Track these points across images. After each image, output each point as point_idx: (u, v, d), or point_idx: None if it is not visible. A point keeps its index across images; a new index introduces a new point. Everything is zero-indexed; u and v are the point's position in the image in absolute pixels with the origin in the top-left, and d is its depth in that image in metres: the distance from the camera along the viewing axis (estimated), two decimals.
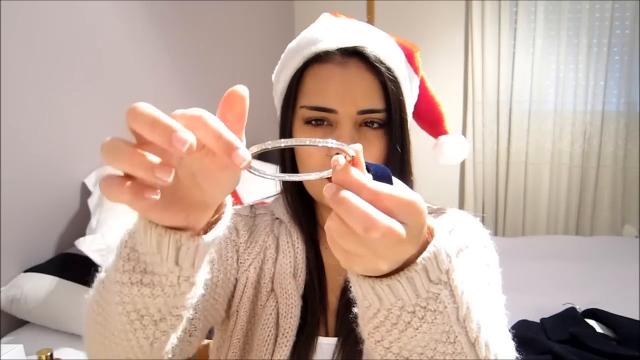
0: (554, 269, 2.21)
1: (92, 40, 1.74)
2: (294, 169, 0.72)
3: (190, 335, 0.66)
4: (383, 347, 0.45)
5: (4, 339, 1.41)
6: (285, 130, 0.72)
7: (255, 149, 0.39)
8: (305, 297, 0.73)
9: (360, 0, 2.81)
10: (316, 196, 0.72)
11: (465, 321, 0.45)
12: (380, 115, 0.68)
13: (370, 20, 2.80)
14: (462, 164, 3.19)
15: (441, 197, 3.15)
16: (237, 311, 0.74)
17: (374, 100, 0.67)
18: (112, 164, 0.35)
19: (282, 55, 0.75)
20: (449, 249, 0.43)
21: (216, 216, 0.47)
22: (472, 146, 3.12)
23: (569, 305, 1.79)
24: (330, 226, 0.38)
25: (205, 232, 0.44)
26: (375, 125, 0.68)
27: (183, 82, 2.22)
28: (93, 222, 1.56)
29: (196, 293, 0.48)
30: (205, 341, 0.99)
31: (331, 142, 0.38)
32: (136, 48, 1.97)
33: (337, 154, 0.39)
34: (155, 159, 0.34)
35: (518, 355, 0.56)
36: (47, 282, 1.43)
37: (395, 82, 0.69)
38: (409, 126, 0.73)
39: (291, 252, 0.74)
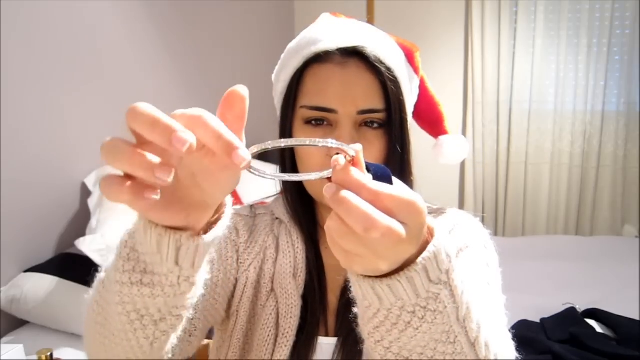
0: (554, 269, 2.21)
1: (92, 40, 1.74)
2: (294, 169, 0.72)
3: (190, 335, 0.66)
4: (383, 347, 0.45)
5: (4, 339, 1.41)
6: (285, 131, 0.72)
7: (255, 149, 0.39)
8: (305, 297, 0.73)
9: (360, 0, 2.81)
10: (316, 196, 0.72)
11: (465, 321, 0.45)
12: (380, 115, 0.68)
13: (370, 20, 2.80)
14: (462, 164, 3.19)
15: (441, 197, 3.15)
16: (237, 311, 0.74)
17: (374, 100, 0.67)
18: (112, 164, 0.35)
19: (282, 55, 0.75)
20: (449, 249, 0.43)
21: (216, 216, 0.47)
22: (472, 146, 3.12)
23: (569, 305, 1.79)
24: (330, 226, 0.38)
25: (205, 232, 0.44)
26: (375, 125, 0.68)
27: (183, 82, 2.22)
28: (93, 222, 1.56)
29: (196, 293, 0.48)
30: (205, 341, 0.99)
31: (331, 142, 0.38)
32: (136, 48, 1.97)
33: (337, 154, 0.39)
34: (155, 159, 0.34)
35: (518, 355, 0.56)
36: (47, 282, 1.43)
37: (395, 82, 0.69)
38: (409, 126, 0.73)
39: (291, 252, 0.74)
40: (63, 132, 1.65)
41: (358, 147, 0.39)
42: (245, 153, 0.35)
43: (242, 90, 0.38)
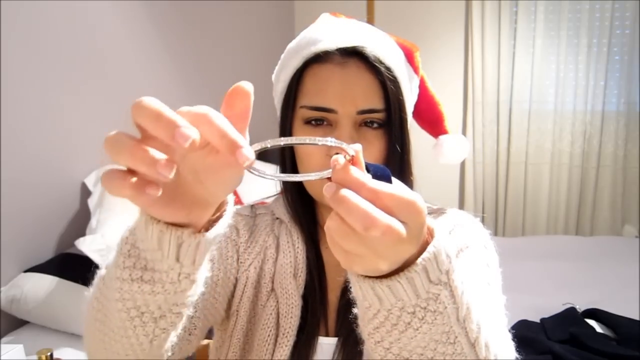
0: (554, 269, 2.20)
1: (92, 40, 1.74)
2: (294, 169, 0.72)
3: (189, 334, 0.66)
4: (383, 347, 0.45)
5: (4, 339, 1.41)
6: (285, 130, 0.72)
7: (255, 147, 0.39)
8: (305, 297, 0.73)
9: (360, 0, 2.81)
10: (316, 196, 0.72)
11: (465, 322, 0.45)
12: (379, 115, 0.68)
13: (370, 20, 2.80)
14: (462, 164, 3.19)
15: (441, 197, 3.14)
16: (237, 311, 0.74)
17: (374, 100, 0.67)
18: (114, 158, 0.35)
19: (282, 56, 0.75)
20: (449, 249, 0.43)
21: (217, 214, 0.47)
22: (472, 146, 3.12)
23: (569, 305, 1.79)
24: (330, 226, 0.38)
25: (207, 230, 0.44)
26: (375, 125, 0.68)
27: (183, 82, 2.22)
28: (93, 222, 1.56)
29: (196, 291, 0.48)
30: (206, 341, 0.99)
31: (331, 141, 0.38)
32: (136, 48, 1.97)
33: (337, 153, 0.39)
34: (157, 154, 0.34)
35: (518, 356, 0.56)
36: (47, 282, 1.43)
37: (394, 81, 0.69)
38: (408, 126, 0.73)
39: (291, 252, 0.74)
40: (63, 132, 1.65)
41: (358, 147, 0.39)
42: (249, 152, 0.35)
43: (247, 86, 0.38)
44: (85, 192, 1.70)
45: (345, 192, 0.36)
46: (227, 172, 0.41)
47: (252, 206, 0.83)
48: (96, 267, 0.54)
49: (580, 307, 1.78)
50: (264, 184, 0.76)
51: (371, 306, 0.43)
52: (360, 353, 0.68)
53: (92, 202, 1.63)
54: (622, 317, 1.69)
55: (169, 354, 0.55)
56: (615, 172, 2.99)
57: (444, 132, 0.84)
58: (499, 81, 3.06)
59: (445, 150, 0.83)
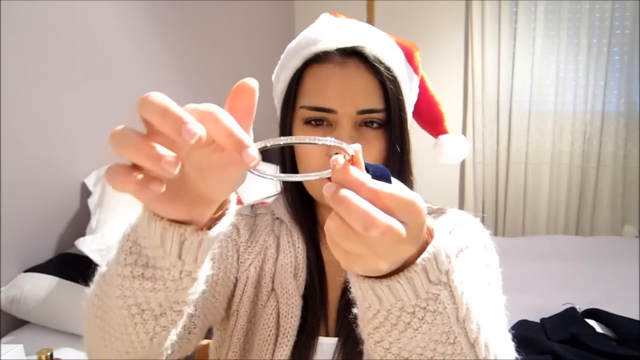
0: (554, 269, 2.20)
1: (92, 40, 1.74)
2: (294, 169, 0.72)
3: (189, 333, 0.66)
4: (383, 347, 0.45)
5: (4, 339, 1.41)
6: (285, 131, 0.72)
7: (256, 146, 0.39)
8: (305, 297, 0.73)
9: (360, 0, 2.81)
10: (316, 196, 0.72)
11: (465, 322, 0.45)
12: (379, 115, 0.68)
13: (370, 20, 2.80)
14: (462, 164, 3.19)
15: (441, 197, 3.15)
16: (237, 311, 0.74)
17: (374, 100, 0.67)
18: (120, 152, 0.35)
19: (282, 56, 0.75)
20: (449, 249, 0.43)
21: (220, 212, 0.47)
22: (472, 146, 3.12)
23: (569, 305, 1.79)
24: (330, 226, 0.38)
25: (209, 228, 0.44)
26: (375, 125, 0.68)
27: (183, 82, 2.22)
28: (93, 222, 1.56)
29: (198, 289, 0.48)
30: (206, 341, 0.99)
31: (330, 141, 0.39)
32: (136, 48, 1.97)
33: (337, 153, 0.39)
34: (163, 150, 0.35)
35: (518, 356, 0.56)
36: (47, 282, 1.43)
37: (394, 81, 0.69)
38: (408, 126, 0.73)
39: (292, 252, 0.74)
40: (63, 132, 1.65)
41: (357, 147, 0.39)
42: (255, 152, 0.35)
43: (252, 82, 0.38)
44: (85, 192, 1.70)
45: (345, 192, 0.36)
46: (231, 171, 0.41)
47: (252, 206, 0.83)
48: (96, 267, 0.54)
49: (580, 307, 1.78)
50: (264, 184, 0.76)
51: (371, 306, 0.43)
52: (361, 353, 0.68)
53: (92, 202, 1.63)
54: (622, 317, 1.69)
55: (169, 352, 0.55)
56: (615, 172, 2.99)
57: (444, 132, 0.84)
58: (499, 81, 3.06)
59: (445, 150, 0.83)
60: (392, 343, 0.44)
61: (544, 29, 2.94)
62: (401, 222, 0.37)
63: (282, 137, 0.40)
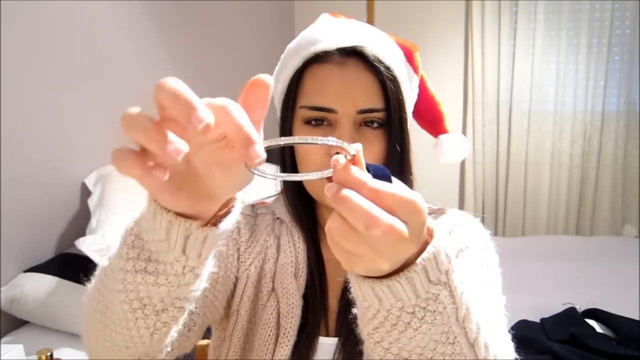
0: (554, 269, 2.20)
1: (92, 40, 1.74)
2: (294, 169, 0.73)
3: (188, 330, 0.66)
4: (382, 347, 0.45)
5: (4, 339, 1.41)
6: (285, 131, 0.72)
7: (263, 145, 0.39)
8: (306, 297, 0.73)
9: (360, 0, 2.80)
10: (316, 196, 0.72)
11: (465, 322, 0.45)
12: (379, 115, 0.68)
13: (370, 20, 2.80)
14: (462, 164, 3.19)
15: (441, 197, 3.14)
16: (237, 310, 0.74)
17: (374, 100, 0.67)
18: (128, 133, 0.35)
19: (282, 56, 0.75)
20: (449, 249, 0.43)
21: (225, 210, 0.47)
22: (472, 146, 3.12)
23: (569, 305, 1.79)
24: (331, 226, 0.38)
25: (214, 225, 0.45)
26: (375, 124, 0.68)
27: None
28: (93, 222, 1.56)
29: (200, 286, 0.49)
30: (205, 341, 0.99)
31: (331, 140, 0.39)
32: (136, 48, 1.97)
33: (337, 153, 0.39)
34: (171, 136, 0.35)
35: (518, 356, 0.56)
36: (47, 282, 1.43)
37: (394, 81, 0.69)
38: (408, 126, 0.73)
39: (292, 252, 0.74)
40: (63, 132, 1.65)
41: (358, 146, 0.39)
42: (261, 149, 0.36)
43: (267, 78, 0.38)
44: (85, 192, 1.70)
45: (346, 192, 0.36)
46: (238, 169, 0.41)
47: (252, 206, 0.83)
48: (96, 267, 0.54)
49: (580, 307, 1.78)
50: (264, 184, 0.76)
51: (371, 306, 0.43)
52: (361, 353, 0.68)
53: (92, 202, 1.63)
54: (622, 317, 1.69)
55: (168, 349, 0.55)
56: (615, 172, 2.99)
57: (444, 131, 0.84)
58: (499, 81, 3.06)
59: (445, 149, 0.83)
60: (391, 343, 0.44)
61: (544, 29, 2.94)
62: (402, 221, 0.37)
63: (282, 138, 0.40)
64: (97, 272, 0.53)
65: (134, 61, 1.95)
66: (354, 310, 0.46)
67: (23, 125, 1.50)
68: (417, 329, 0.42)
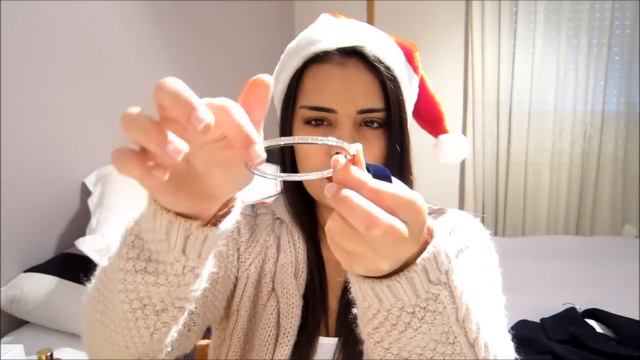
0: (554, 269, 2.20)
1: (91, 40, 1.74)
2: (294, 169, 0.73)
3: (188, 330, 0.66)
4: (382, 347, 0.45)
5: (4, 339, 1.41)
6: (285, 131, 0.72)
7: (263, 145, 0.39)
8: (306, 297, 0.73)
9: (360, 0, 2.80)
10: (316, 196, 0.72)
11: (465, 322, 0.45)
12: (379, 115, 0.68)
13: (370, 20, 2.80)
14: (462, 164, 3.19)
15: (441, 197, 3.15)
16: (237, 310, 0.74)
17: (374, 100, 0.67)
18: (128, 132, 0.35)
19: (282, 56, 0.75)
20: (449, 249, 0.43)
21: (225, 210, 0.47)
22: (472, 146, 3.12)
23: (569, 305, 1.79)
24: (331, 226, 0.38)
25: (214, 225, 0.45)
26: (375, 124, 0.68)
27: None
28: (93, 222, 1.56)
29: (200, 286, 0.49)
30: (206, 341, 0.99)
31: (332, 140, 0.39)
32: (136, 48, 1.97)
33: (337, 153, 0.39)
34: (171, 136, 0.35)
35: (517, 356, 0.56)
36: (47, 282, 1.43)
37: (394, 81, 0.69)
38: (408, 126, 0.73)
39: (292, 252, 0.74)
40: (63, 132, 1.65)
41: (358, 146, 0.39)
42: (261, 149, 0.36)
43: (267, 78, 0.38)
44: (85, 192, 1.70)
45: (346, 192, 0.36)
46: (238, 169, 0.41)
47: (252, 206, 0.83)
48: (96, 266, 0.54)
49: (580, 307, 1.78)
50: (264, 184, 0.76)
51: (371, 306, 0.43)
52: (361, 353, 0.68)
53: (92, 202, 1.63)
54: (622, 317, 1.69)
55: (168, 349, 0.55)
56: (615, 172, 2.99)
57: (444, 131, 0.84)
58: (499, 81, 3.06)
59: (445, 149, 0.83)
60: (391, 343, 0.44)
61: (544, 29, 2.94)
62: (402, 221, 0.37)
63: (282, 138, 0.40)
64: (97, 272, 0.53)
65: (134, 61, 1.95)
66: (354, 310, 0.46)
67: (23, 125, 1.50)
68: (417, 329, 0.42)
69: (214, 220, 0.45)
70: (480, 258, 0.69)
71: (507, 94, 3.07)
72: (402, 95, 0.70)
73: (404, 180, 0.41)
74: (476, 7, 2.99)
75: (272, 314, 0.71)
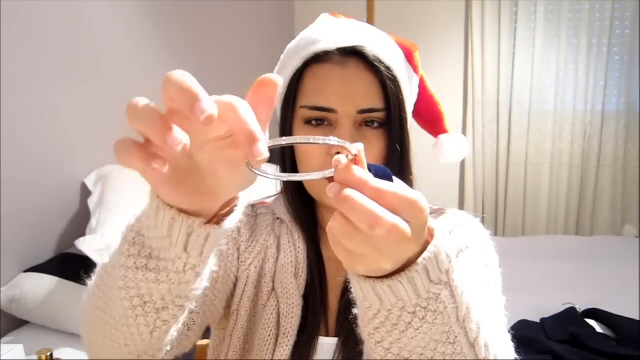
0: (554, 269, 2.20)
1: (91, 40, 1.74)
2: (294, 169, 0.73)
3: (188, 329, 0.66)
4: (383, 348, 0.45)
5: (4, 339, 1.41)
6: (286, 131, 0.72)
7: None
8: (306, 297, 0.73)
9: (360, 0, 2.80)
10: (316, 196, 0.72)
11: (465, 322, 0.45)
12: (380, 115, 0.68)
13: (370, 20, 2.80)
14: (462, 164, 3.19)
15: (441, 197, 3.13)
16: (237, 310, 0.74)
17: (374, 100, 0.67)
18: (131, 121, 0.35)
19: (282, 56, 0.75)
20: (449, 249, 0.43)
21: (227, 209, 0.47)
22: (472, 146, 3.12)
23: (569, 305, 1.79)
24: (334, 226, 0.38)
25: (217, 224, 0.45)
26: (375, 124, 0.68)
27: None
28: (93, 222, 1.56)
29: (201, 285, 0.49)
30: (205, 341, 0.99)
31: (333, 140, 0.39)
32: (136, 48, 1.97)
33: (338, 152, 0.39)
34: (175, 129, 0.35)
35: (517, 356, 0.56)
36: (47, 282, 1.43)
37: (394, 81, 0.69)
38: (408, 125, 0.73)
39: (292, 252, 0.74)
40: (63, 132, 1.65)
41: (360, 146, 0.39)
42: (264, 147, 0.35)
43: (276, 77, 0.39)
44: (85, 192, 1.70)
45: (349, 191, 0.36)
46: (241, 169, 0.41)
47: (252, 205, 0.83)
48: (96, 266, 0.54)
49: (580, 307, 1.78)
50: (264, 184, 0.76)
51: (372, 306, 0.43)
52: (361, 353, 0.68)
53: (92, 202, 1.63)
54: (622, 317, 1.69)
55: (168, 348, 0.55)
56: (615, 172, 2.99)
57: (444, 131, 0.84)
58: (499, 81, 3.06)
59: (445, 149, 0.83)
60: (392, 343, 0.44)
61: (544, 29, 2.94)
62: (405, 220, 0.37)
63: (283, 138, 0.40)
64: (98, 269, 0.53)
65: (134, 61, 1.95)
66: (355, 311, 0.46)
67: (23, 125, 1.50)
68: (418, 329, 0.42)
69: (217, 219, 0.46)
70: (480, 258, 0.69)
71: (507, 94, 3.07)
72: (402, 95, 0.70)
73: (404, 180, 0.41)
74: (476, 7, 2.99)
75: (272, 314, 0.71)
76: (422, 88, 0.81)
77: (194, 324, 0.67)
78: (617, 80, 2.93)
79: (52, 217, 1.63)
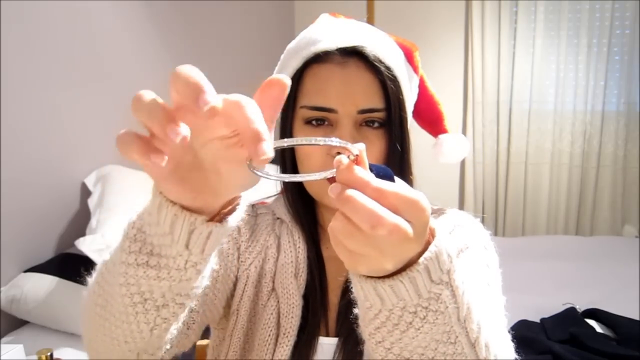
0: (554, 269, 2.20)
1: (91, 40, 1.74)
2: (295, 169, 0.73)
3: (187, 328, 0.66)
4: (384, 347, 0.45)
5: (4, 339, 1.41)
6: (286, 131, 0.72)
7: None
8: (306, 297, 0.73)
9: (360, 0, 2.80)
10: (316, 196, 0.72)
11: (466, 321, 0.45)
12: (380, 115, 0.68)
13: (370, 20, 2.80)
14: (462, 164, 3.19)
15: (441, 197, 3.13)
16: (237, 310, 0.74)
17: (374, 100, 0.67)
18: (135, 112, 0.36)
19: (282, 56, 0.75)
20: (450, 249, 0.43)
21: (229, 208, 0.47)
22: (472, 146, 3.12)
23: (569, 305, 1.79)
24: (335, 226, 0.38)
25: (219, 222, 0.45)
26: (376, 124, 0.68)
27: None
28: (93, 222, 1.56)
29: (201, 283, 0.49)
30: (205, 341, 0.99)
31: (335, 141, 0.39)
32: (136, 48, 1.97)
33: (338, 153, 0.39)
34: (181, 125, 0.35)
35: (518, 356, 0.56)
36: (47, 282, 1.43)
37: (394, 81, 0.69)
38: (408, 125, 0.73)
39: (292, 252, 0.74)
40: (63, 132, 1.65)
41: (361, 146, 0.39)
42: (268, 147, 0.35)
43: (285, 79, 0.39)
44: (85, 192, 1.70)
45: (350, 191, 0.36)
46: (245, 169, 0.41)
47: (253, 205, 0.83)
48: (96, 266, 0.54)
49: (580, 307, 1.78)
50: (264, 184, 0.76)
51: (372, 306, 0.43)
52: (361, 353, 0.68)
53: (92, 202, 1.63)
54: (622, 317, 1.69)
55: (167, 346, 0.55)
56: (615, 172, 2.99)
57: (444, 131, 0.84)
58: (499, 81, 3.06)
59: (445, 149, 0.83)
60: (393, 343, 0.44)
61: (544, 29, 2.94)
62: (407, 220, 0.37)
63: (285, 139, 0.40)
64: (98, 266, 0.53)
65: (134, 61, 1.95)
66: (355, 311, 0.46)
67: (23, 125, 1.50)
68: (419, 329, 0.42)
69: (219, 218, 0.46)
70: (480, 258, 0.69)
71: (507, 94, 3.07)
72: (402, 95, 0.70)
73: (404, 180, 0.41)
74: (476, 7, 2.99)
75: (272, 313, 0.71)
76: (422, 88, 0.81)
77: (193, 323, 0.67)
78: (617, 80, 2.93)
79: (52, 217, 1.63)
